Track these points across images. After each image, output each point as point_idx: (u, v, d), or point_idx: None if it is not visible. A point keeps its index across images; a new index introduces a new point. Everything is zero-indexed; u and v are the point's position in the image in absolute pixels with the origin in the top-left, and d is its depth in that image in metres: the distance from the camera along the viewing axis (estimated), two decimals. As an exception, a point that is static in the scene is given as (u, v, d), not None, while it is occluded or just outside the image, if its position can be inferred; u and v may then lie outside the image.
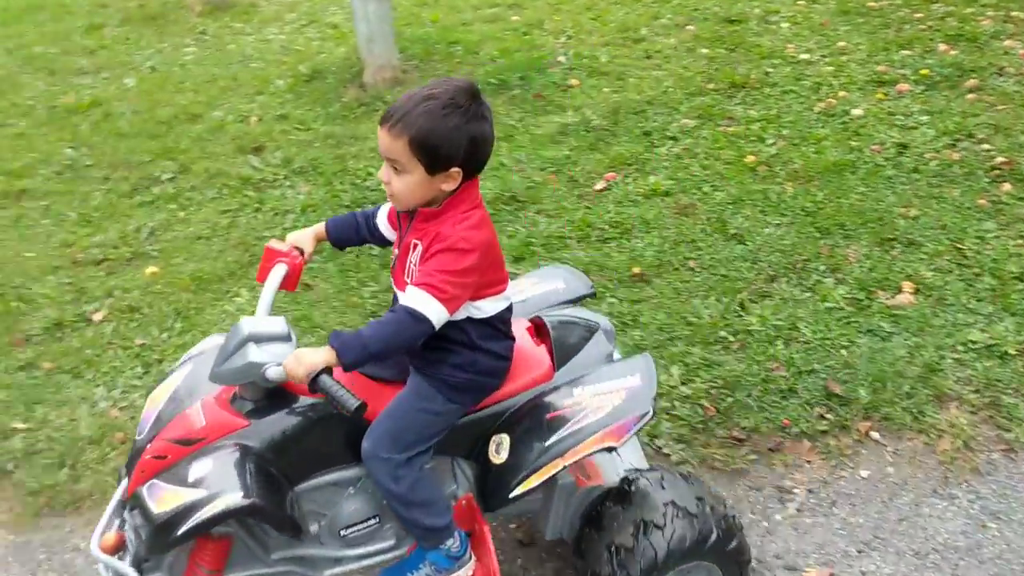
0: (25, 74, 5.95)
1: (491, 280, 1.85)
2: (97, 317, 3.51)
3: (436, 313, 1.71)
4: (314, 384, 1.68)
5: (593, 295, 2.34)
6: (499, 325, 1.92)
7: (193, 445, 1.84)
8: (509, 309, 1.94)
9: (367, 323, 1.77)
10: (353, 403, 1.67)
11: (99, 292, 3.66)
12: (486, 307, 1.86)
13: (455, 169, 1.73)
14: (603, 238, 3.68)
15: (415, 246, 1.81)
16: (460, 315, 1.83)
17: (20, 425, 3.01)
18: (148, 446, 1.88)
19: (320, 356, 1.69)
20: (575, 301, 2.26)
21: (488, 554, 1.99)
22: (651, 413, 1.90)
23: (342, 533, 2.00)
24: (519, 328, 2.05)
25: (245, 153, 4.61)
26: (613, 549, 1.94)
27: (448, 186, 1.76)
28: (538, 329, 2.10)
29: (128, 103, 5.32)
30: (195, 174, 4.47)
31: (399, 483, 1.85)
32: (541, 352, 2.05)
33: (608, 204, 3.90)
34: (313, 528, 1.99)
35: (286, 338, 1.81)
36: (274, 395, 1.89)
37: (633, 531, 1.92)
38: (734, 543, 2.00)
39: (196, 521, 1.73)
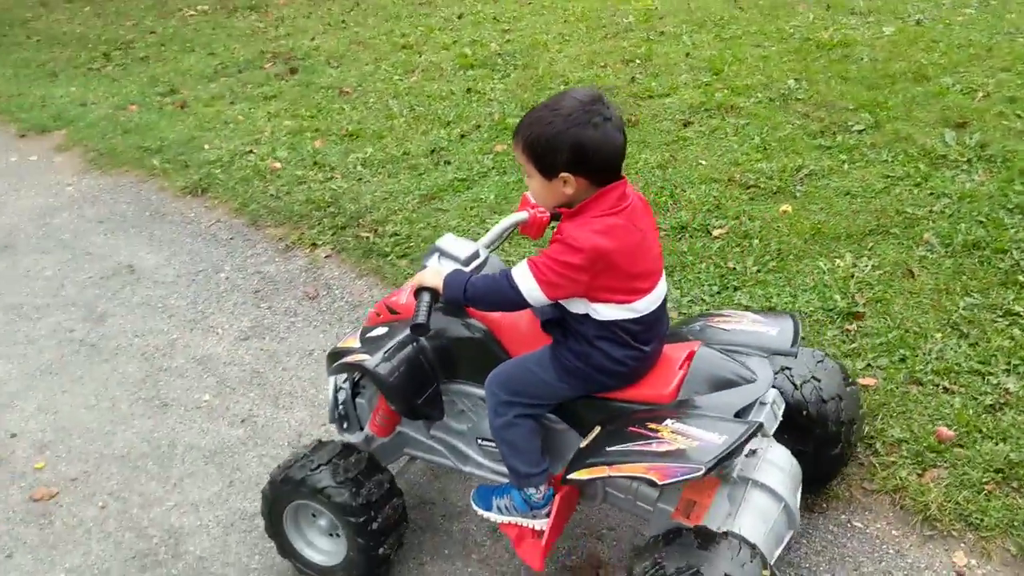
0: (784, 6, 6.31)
1: (612, 287, 1.92)
2: (716, 233, 3.80)
3: (529, 289, 1.90)
4: (416, 294, 2.03)
5: (793, 355, 2.21)
6: (620, 332, 1.97)
7: (394, 315, 2.30)
8: (640, 322, 1.98)
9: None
10: (416, 320, 1.98)
11: (731, 212, 3.93)
12: (604, 312, 1.95)
13: (565, 174, 1.85)
14: None
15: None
16: (580, 310, 1.99)
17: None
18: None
19: (434, 279, 2.01)
20: (770, 352, 2.18)
21: (555, 518, 2.16)
22: (702, 471, 1.81)
23: (480, 442, 2.32)
24: (680, 350, 2.10)
25: (945, 126, 4.32)
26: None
27: (569, 190, 1.88)
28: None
29: (872, 50, 5.31)
30: (883, 132, 4.36)
31: (497, 418, 2.11)
32: (675, 375, 2.06)
33: None
34: (465, 426, 2.34)
35: (462, 261, 2.10)
36: None
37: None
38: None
39: (342, 362, 2.27)
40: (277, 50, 6.86)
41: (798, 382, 2.40)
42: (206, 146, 5.24)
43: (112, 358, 3.55)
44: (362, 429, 2.54)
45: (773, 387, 2.20)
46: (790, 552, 2.40)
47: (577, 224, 1.91)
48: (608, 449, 2.00)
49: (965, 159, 4.02)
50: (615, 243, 1.88)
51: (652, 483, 1.89)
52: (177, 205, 4.70)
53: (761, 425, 2.02)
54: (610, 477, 2.02)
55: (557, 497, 2.19)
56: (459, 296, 2.03)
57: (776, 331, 2.27)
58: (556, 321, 2.09)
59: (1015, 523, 2.37)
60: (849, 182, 4.02)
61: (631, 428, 2.03)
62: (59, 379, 3.46)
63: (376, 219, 4.22)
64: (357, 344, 2.33)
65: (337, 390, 2.53)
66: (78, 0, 9.21)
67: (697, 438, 1.95)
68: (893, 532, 2.45)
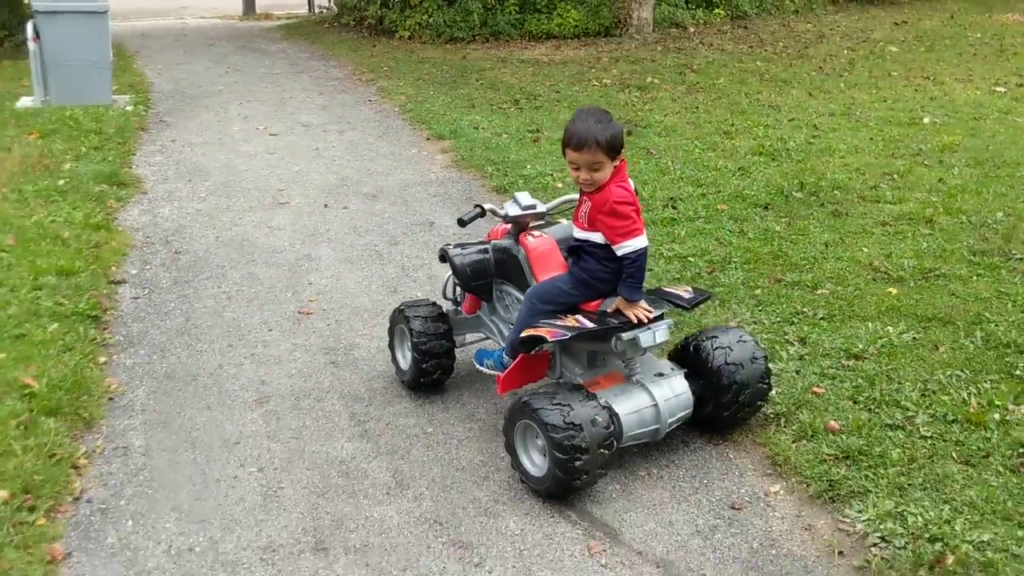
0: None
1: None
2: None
3: (637, 245, 3.28)
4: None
5: (686, 309, 3.53)
6: (613, 258, 3.24)
7: (487, 236, 3.83)
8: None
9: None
10: (460, 217, 3.70)
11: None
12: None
13: (620, 155, 3.15)
14: None
15: (586, 202, 3.21)
16: (601, 240, 3.25)
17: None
18: None
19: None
20: (673, 305, 3.43)
21: (513, 369, 3.46)
22: (567, 336, 3.17)
23: (507, 325, 3.65)
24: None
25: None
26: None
27: (616, 164, 3.19)
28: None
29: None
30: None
31: (526, 310, 3.38)
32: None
33: None
34: (503, 315, 3.75)
35: (523, 207, 3.51)
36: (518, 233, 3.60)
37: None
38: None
39: (441, 249, 3.87)
40: (631, 117, 8.60)
41: (715, 346, 3.50)
42: (528, 166, 7.10)
43: (389, 263, 5.47)
44: (459, 306, 4.10)
45: (664, 324, 3.35)
46: (670, 467, 3.49)
47: (615, 186, 3.21)
48: (542, 321, 3.36)
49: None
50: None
51: (543, 339, 3.23)
52: (487, 196, 6.59)
53: (620, 326, 3.22)
54: (529, 336, 3.34)
55: (519, 358, 3.55)
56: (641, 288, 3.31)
57: (689, 296, 3.44)
58: (577, 247, 3.42)
59: (828, 480, 3.23)
60: None
61: (559, 314, 3.37)
62: (354, 267, 5.45)
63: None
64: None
65: (449, 277, 4.12)
66: (521, 64, 11.82)
67: (580, 324, 3.25)
68: (749, 466, 3.42)
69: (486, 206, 3.71)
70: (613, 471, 3.37)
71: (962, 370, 3.89)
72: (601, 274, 3.33)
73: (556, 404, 3.10)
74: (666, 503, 3.23)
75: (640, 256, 3.22)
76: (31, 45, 8.98)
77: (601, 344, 3.35)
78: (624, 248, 3.20)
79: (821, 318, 4.43)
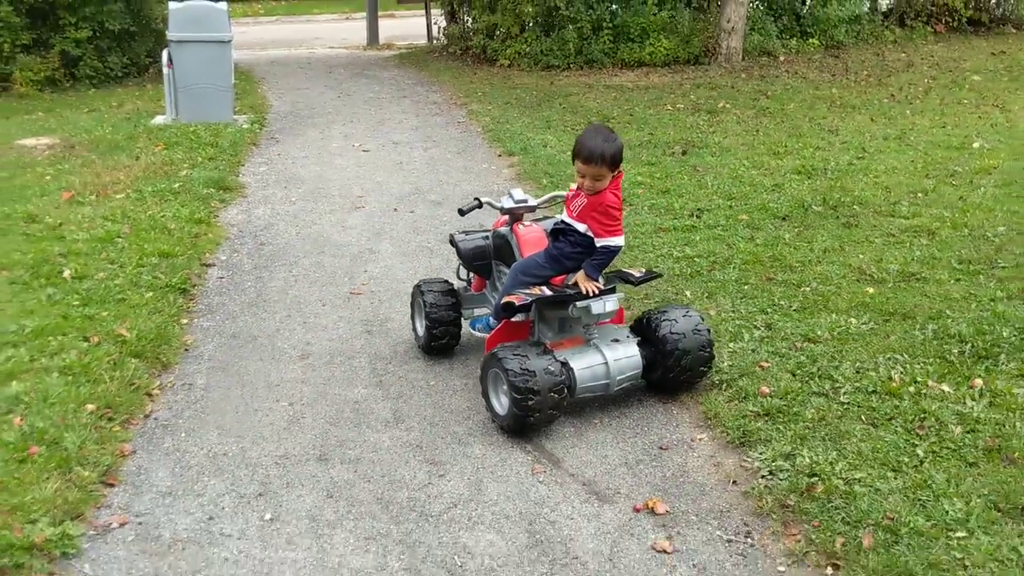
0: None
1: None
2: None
3: (618, 241, 4.03)
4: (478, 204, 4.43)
5: (633, 284, 4.20)
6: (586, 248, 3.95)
7: (495, 224, 4.42)
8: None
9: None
10: (460, 207, 4.43)
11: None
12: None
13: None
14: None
15: (582, 199, 3.85)
16: (584, 230, 3.90)
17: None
18: None
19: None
20: (624, 280, 4.19)
21: (499, 331, 4.24)
22: (528, 301, 3.93)
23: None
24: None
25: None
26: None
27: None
28: None
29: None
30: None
31: (510, 281, 4.03)
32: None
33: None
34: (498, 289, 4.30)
35: (515, 200, 4.33)
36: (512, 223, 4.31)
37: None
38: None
39: (450, 236, 4.72)
40: (691, 138, 9.22)
41: (663, 319, 4.17)
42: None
43: (436, 256, 6.29)
44: (469, 284, 4.90)
45: (615, 297, 4.04)
46: (620, 417, 4.16)
47: (610, 192, 3.88)
48: (516, 291, 4.12)
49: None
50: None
51: (513, 304, 4.00)
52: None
53: (576, 296, 3.95)
54: (507, 302, 4.09)
55: (502, 321, 4.31)
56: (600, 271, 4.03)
57: (639, 275, 4.14)
58: (560, 230, 4.14)
59: (744, 430, 3.84)
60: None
61: (532, 285, 4.12)
62: (406, 259, 6.30)
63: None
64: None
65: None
66: (606, 89, 12.55)
67: (543, 292, 4.00)
68: (686, 419, 4.07)
69: (483, 199, 4.50)
70: (570, 418, 4.07)
71: (901, 354, 4.40)
72: (571, 254, 4.05)
73: (516, 355, 3.85)
74: (607, 442, 3.91)
75: (613, 251, 3.98)
76: (165, 70, 10.34)
77: (563, 311, 4.08)
78: (604, 242, 3.94)
79: (794, 310, 4.99)
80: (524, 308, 4.04)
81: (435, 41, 18.13)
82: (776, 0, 15.74)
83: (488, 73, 14.52)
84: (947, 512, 3.20)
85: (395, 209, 7.43)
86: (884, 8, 17.33)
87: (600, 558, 3.16)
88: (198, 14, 10.28)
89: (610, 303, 4.00)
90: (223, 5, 10.47)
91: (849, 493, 3.34)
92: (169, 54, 10.27)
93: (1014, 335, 4.46)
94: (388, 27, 21.69)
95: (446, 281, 4.83)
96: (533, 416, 3.83)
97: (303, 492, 3.60)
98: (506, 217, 4.51)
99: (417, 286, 4.83)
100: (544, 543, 3.25)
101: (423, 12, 20.08)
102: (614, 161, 3.84)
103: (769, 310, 5.01)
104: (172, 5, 10.29)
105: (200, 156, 8.83)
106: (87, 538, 3.31)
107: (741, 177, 7.69)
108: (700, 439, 3.90)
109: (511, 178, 8.27)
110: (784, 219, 6.56)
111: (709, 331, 4.21)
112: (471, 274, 4.87)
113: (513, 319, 4.25)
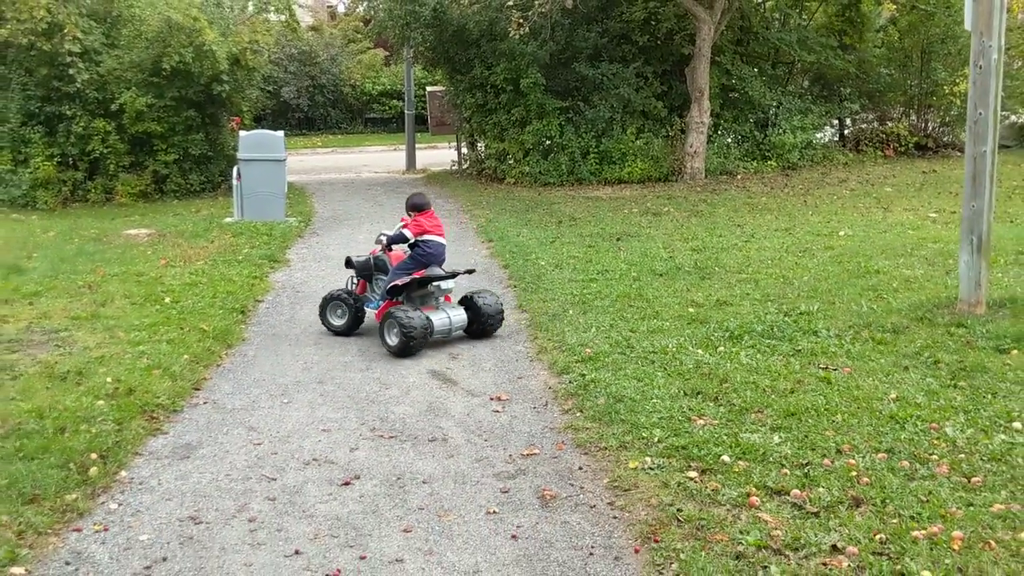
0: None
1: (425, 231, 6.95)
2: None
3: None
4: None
5: (470, 273, 7.49)
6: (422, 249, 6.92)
7: (371, 252, 7.45)
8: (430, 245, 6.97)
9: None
10: (350, 257, 7.60)
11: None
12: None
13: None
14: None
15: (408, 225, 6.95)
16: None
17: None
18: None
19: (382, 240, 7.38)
20: (460, 272, 7.29)
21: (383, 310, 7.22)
22: (399, 283, 7.11)
23: (380, 295, 7.49)
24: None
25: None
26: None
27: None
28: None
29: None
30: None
31: (392, 275, 7.38)
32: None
33: None
34: (379, 290, 7.49)
35: (389, 238, 7.30)
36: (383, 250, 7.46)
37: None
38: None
39: (347, 257, 7.58)
40: (629, 231, 12.06)
41: (478, 298, 7.26)
42: (532, 255, 10.67)
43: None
44: (355, 288, 7.86)
45: (452, 282, 7.20)
46: (461, 354, 6.91)
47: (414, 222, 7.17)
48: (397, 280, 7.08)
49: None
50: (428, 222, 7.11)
51: (397, 286, 6.99)
52: (493, 267, 10.20)
53: (433, 279, 7.08)
54: (393, 286, 7.06)
55: (386, 302, 7.28)
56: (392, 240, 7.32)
57: (461, 271, 7.35)
58: (414, 244, 7.26)
59: (566, 366, 6.55)
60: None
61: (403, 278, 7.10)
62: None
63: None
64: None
65: (349, 276, 7.90)
66: (585, 199, 15.55)
67: (411, 277, 7.08)
68: (539, 367, 6.78)
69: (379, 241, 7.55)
70: (434, 351, 6.83)
71: (684, 337, 7.05)
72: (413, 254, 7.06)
73: (403, 312, 6.95)
74: (488, 371, 6.63)
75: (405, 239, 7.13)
76: (235, 182, 13.61)
77: (423, 290, 7.15)
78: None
79: (632, 318, 7.70)
80: (404, 287, 7.17)
81: (458, 165, 21.47)
82: (740, 129, 18.79)
83: (495, 189, 17.65)
84: (653, 392, 5.83)
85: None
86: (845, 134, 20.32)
87: (462, 415, 5.86)
88: (261, 139, 13.63)
89: (449, 284, 7.24)
90: (280, 133, 13.86)
91: (602, 383, 6.00)
92: (238, 169, 13.55)
93: (759, 328, 7.10)
94: (426, 156, 25.14)
95: (350, 292, 7.88)
96: (412, 346, 6.90)
97: (306, 394, 6.36)
98: (377, 247, 7.63)
99: (330, 294, 7.87)
100: (436, 410, 5.97)
101: (455, 143, 23.60)
102: (409, 208, 7.36)
103: (616, 319, 7.72)
104: (242, 133, 13.68)
105: (258, 242, 11.92)
106: (187, 407, 6.11)
107: (648, 252, 10.48)
108: (541, 372, 6.60)
109: (485, 254, 11.17)
110: (661, 275, 9.31)
111: (502, 305, 7.43)
112: (354, 283, 7.88)
113: (393, 299, 7.30)
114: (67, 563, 4.13)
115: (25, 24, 14.65)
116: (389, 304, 7.41)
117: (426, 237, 7.35)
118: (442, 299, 7.42)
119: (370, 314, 7.67)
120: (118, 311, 8.23)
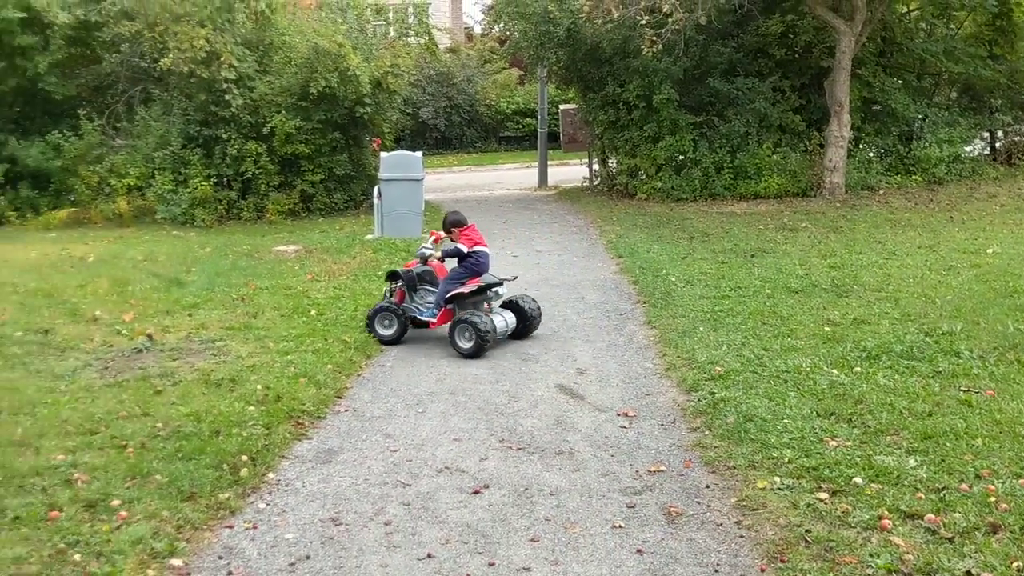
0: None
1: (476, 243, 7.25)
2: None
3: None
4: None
5: (511, 280, 7.77)
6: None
7: (407, 265, 7.83)
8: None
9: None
10: (398, 269, 7.98)
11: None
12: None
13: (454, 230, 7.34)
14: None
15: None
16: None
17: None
18: None
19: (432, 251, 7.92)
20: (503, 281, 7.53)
21: (439, 318, 7.79)
22: (451, 293, 7.71)
23: (427, 306, 7.89)
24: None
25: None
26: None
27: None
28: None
29: None
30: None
31: (444, 287, 7.73)
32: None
33: None
34: (426, 300, 7.91)
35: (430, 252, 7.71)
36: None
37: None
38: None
39: (391, 271, 8.73)
40: (764, 247, 11.89)
41: (521, 301, 7.75)
42: (663, 271, 10.68)
43: (548, 317, 9.32)
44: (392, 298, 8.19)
45: (504, 288, 7.59)
46: (592, 366, 6.98)
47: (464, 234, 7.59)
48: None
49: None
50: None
51: (462, 294, 7.50)
52: (624, 286, 10.26)
53: (487, 287, 7.56)
54: (452, 295, 7.44)
55: (442, 310, 7.69)
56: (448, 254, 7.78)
57: (506, 278, 7.66)
58: (465, 256, 7.69)
59: (694, 383, 6.56)
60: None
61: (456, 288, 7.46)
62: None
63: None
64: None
65: (386, 288, 8.24)
66: (719, 215, 15.38)
67: (466, 286, 7.53)
68: (667, 383, 6.82)
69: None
70: (561, 365, 6.92)
71: (819, 357, 6.94)
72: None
73: (477, 316, 7.36)
74: (613, 386, 6.71)
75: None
76: (376, 201, 14.17)
77: (476, 297, 7.56)
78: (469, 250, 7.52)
79: (765, 336, 7.62)
80: (462, 295, 7.62)
81: (589, 181, 21.59)
82: (883, 143, 18.18)
83: (626, 205, 17.68)
84: (785, 412, 5.78)
85: (525, 289, 10.50)
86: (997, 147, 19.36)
87: (590, 430, 5.96)
88: (401, 160, 14.17)
89: (503, 290, 7.63)
90: (418, 154, 14.37)
91: (732, 401, 5.99)
92: (379, 189, 14.11)
93: (898, 348, 6.92)
94: (558, 173, 25.38)
95: (394, 305, 8.23)
96: (485, 348, 7.39)
97: (439, 404, 6.61)
98: (417, 260, 8.08)
99: (379, 305, 8.29)
100: (564, 423, 6.10)
101: (587, 160, 23.74)
102: (449, 225, 7.96)
103: (748, 337, 7.66)
104: (383, 155, 14.28)
105: (396, 257, 12.36)
106: (329, 413, 6.45)
107: (783, 269, 10.32)
108: (669, 389, 6.63)
109: (615, 270, 11.25)
110: (796, 292, 9.16)
111: (540, 307, 7.97)
112: (391, 294, 8.25)
113: (447, 307, 7.77)
114: (220, 557, 4.45)
115: (186, 53, 15.68)
116: (447, 312, 7.95)
117: (476, 248, 7.89)
118: (487, 304, 7.91)
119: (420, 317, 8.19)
120: (268, 322, 8.73)
